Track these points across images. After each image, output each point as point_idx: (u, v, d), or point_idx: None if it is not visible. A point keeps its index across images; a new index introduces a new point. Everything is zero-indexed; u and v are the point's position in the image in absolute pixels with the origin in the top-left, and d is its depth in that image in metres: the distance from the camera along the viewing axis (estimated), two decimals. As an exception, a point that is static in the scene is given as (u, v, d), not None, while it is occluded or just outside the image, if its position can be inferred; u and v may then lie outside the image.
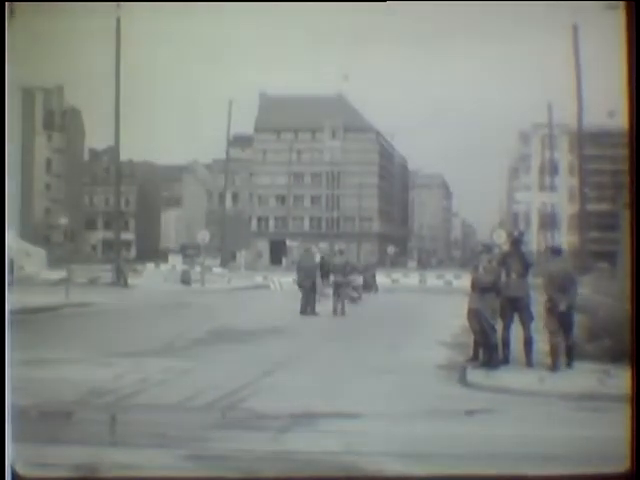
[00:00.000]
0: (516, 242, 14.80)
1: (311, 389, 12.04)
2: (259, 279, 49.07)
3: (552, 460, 7.98)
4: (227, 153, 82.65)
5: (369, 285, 40.22)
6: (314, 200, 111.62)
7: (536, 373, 12.88)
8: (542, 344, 14.07)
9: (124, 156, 71.33)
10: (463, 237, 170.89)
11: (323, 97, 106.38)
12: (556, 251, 14.81)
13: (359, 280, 33.24)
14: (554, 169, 72.76)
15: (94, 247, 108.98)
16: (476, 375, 12.83)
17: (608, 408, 10.28)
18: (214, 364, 14.59)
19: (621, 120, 8.87)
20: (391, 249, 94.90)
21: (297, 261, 29.22)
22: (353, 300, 26.33)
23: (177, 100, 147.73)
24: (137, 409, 10.40)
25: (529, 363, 13.60)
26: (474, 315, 13.76)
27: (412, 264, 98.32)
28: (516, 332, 13.89)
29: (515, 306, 13.76)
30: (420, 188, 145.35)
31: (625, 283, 10.75)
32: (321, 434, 9.09)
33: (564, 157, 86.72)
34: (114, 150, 50.87)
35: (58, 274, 39.69)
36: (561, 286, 13.43)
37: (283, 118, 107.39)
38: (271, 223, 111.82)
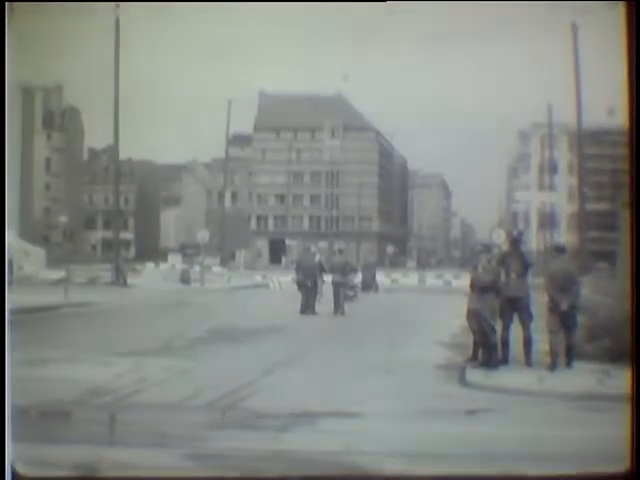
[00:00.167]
0: (515, 242, 14.79)
1: (311, 388, 12.05)
2: (258, 278, 49.04)
3: (552, 460, 7.98)
4: (226, 152, 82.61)
5: (369, 285, 40.23)
6: (313, 199, 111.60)
7: (535, 373, 12.89)
8: (542, 344, 14.08)
9: (123, 155, 71.43)
10: (462, 237, 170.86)
11: (323, 96, 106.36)
12: (560, 249, 14.74)
13: (356, 279, 33.25)
14: (553, 168, 72.74)
15: (93, 246, 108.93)
16: (475, 375, 12.83)
17: (607, 408, 10.28)
18: (214, 363, 14.59)
19: (621, 119, 8.87)
20: (390, 249, 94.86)
21: (296, 260, 29.21)
22: (349, 298, 26.37)
23: (176, 99, 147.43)
24: (137, 409, 10.40)
25: (528, 363, 13.60)
26: (473, 315, 13.77)
27: (411, 264, 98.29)
28: (515, 332, 13.90)
29: (515, 306, 13.76)
30: (420, 188, 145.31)
31: (625, 283, 10.76)
32: (321, 434, 9.10)
33: (563, 156, 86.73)
34: (113, 149, 50.85)
35: (57, 274, 39.66)
36: (563, 286, 13.44)
37: (282, 117, 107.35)
38: (270, 222, 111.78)
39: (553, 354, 13.42)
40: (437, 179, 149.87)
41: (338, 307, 25.79)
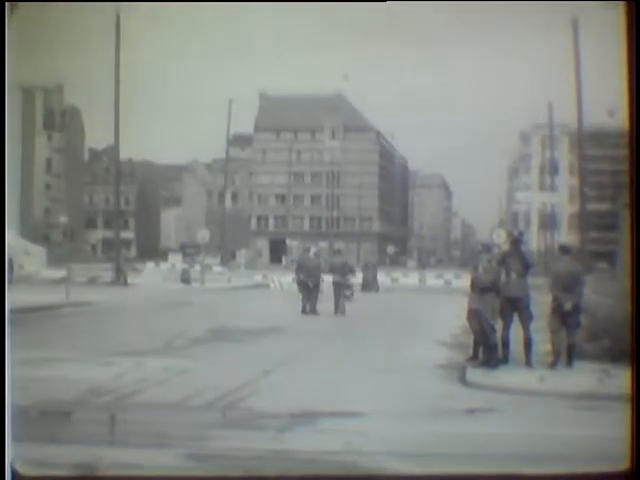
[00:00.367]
0: (516, 242, 14.79)
1: (312, 388, 12.05)
2: (259, 278, 49.01)
3: (552, 460, 7.98)
4: (227, 152, 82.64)
5: (370, 285, 40.25)
6: (314, 200, 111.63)
7: (536, 373, 12.89)
8: (542, 344, 14.10)
9: (124, 155, 71.43)
10: (463, 237, 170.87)
11: (323, 97, 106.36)
12: (565, 250, 14.75)
13: (354, 279, 33.23)
14: (554, 169, 72.76)
15: (94, 246, 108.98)
16: (476, 375, 12.83)
17: (608, 408, 10.28)
18: (214, 363, 14.59)
19: (621, 120, 8.87)
20: (391, 249, 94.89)
21: (297, 260, 29.21)
22: (346, 297, 26.44)
23: (177, 100, 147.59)
24: (137, 408, 10.40)
25: (529, 363, 13.61)
26: (474, 315, 13.77)
27: (412, 264, 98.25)
28: (516, 332, 13.90)
29: (515, 306, 13.77)
30: (420, 188, 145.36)
31: (625, 283, 10.76)
32: (321, 433, 9.10)
33: (564, 157, 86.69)
34: (114, 149, 50.84)
35: (58, 273, 39.67)
36: (567, 285, 13.48)
37: (283, 118, 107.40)
38: (271, 222, 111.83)
39: (555, 352, 13.48)
40: (438, 179, 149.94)
41: (338, 307, 25.81)
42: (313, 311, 25.54)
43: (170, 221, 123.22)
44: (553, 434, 9.17)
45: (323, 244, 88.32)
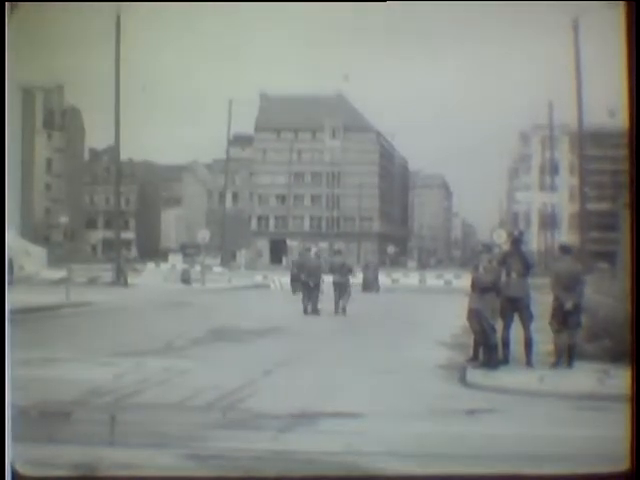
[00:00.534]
0: (516, 242, 14.80)
1: (312, 388, 12.05)
2: (259, 278, 49.04)
3: (552, 460, 7.98)
4: (227, 153, 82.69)
5: (370, 285, 40.26)
6: (314, 200, 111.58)
7: (536, 373, 12.89)
8: (542, 344, 14.10)
9: (124, 156, 71.44)
10: (463, 237, 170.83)
11: (323, 97, 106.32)
12: (566, 250, 14.77)
13: (353, 279, 33.23)
14: (554, 169, 72.78)
15: (94, 246, 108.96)
16: (476, 375, 12.83)
17: (608, 408, 10.28)
18: (214, 364, 14.59)
19: (621, 120, 8.87)
20: (391, 249, 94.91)
21: (297, 260, 29.21)
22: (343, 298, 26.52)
23: (177, 100, 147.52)
24: (137, 409, 10.40)
25: (529, 363, 13.62)
26: (474, 315, 13.77)
27: (412, 264, 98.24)
28: (516, 332, 13.90)
29: (515, 306, 13.78)
30: (420, 188, 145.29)
31: (625, 283, 10.76)
32: (321, 434, 9.09)
33: (564, 157, 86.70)
34: (114, 150, 50.87)
35: (58, 273, 39.69)
36: (568, 285, 13.51)
37: (283, 118, 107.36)
38: (271, 222, 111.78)
39: (557, 352, 13.51)
40: (438, 180, 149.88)
41: (339, 307, 25.84)
42: (314, 311, 25.57)
43: (170, 221, 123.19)
44: (553, 434, 9.17)
45: (323, 244, 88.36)
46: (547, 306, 14.01)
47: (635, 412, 7.75)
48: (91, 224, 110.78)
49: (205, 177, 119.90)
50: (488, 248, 15.16)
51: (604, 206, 75.45)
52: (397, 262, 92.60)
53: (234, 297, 36.21)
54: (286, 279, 40.39)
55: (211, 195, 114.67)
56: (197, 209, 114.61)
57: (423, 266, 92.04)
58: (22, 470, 7.30)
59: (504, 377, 12.61)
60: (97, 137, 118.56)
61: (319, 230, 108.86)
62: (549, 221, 72.02)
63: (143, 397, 11.08)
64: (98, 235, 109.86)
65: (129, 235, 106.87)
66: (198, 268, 47.36)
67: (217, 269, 56.21)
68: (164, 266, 57.09)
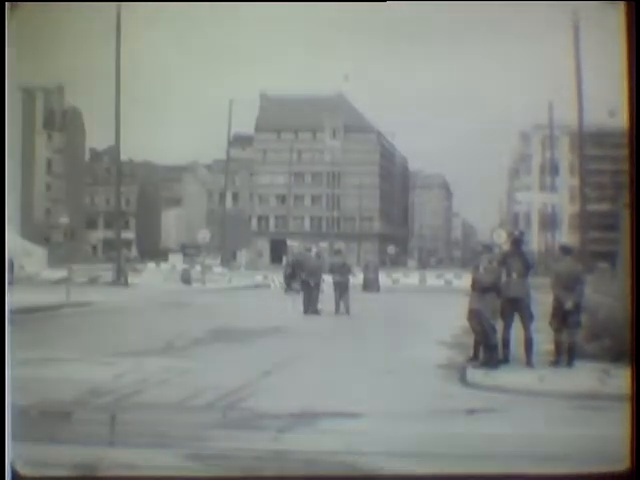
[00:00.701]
0: (517, 242, 14.81)
1: (312, 388, 12.05)
2: (259, 278, 49.02)
3: (552, 460, 7.98)
4: (227, 153, 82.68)
5: (370, 285, 40.26)
6: (314, 200, 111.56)
7: (536, 373, 12.90)
8: (542, 344, 14.11)
9: (125, 156, 71.48)
10: (464, 237, 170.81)
11: (323, 97, 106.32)
12: (566, 250, 14.80)
13: (353, 279, 33.29)
14: (555, 169, 72.76)
15: (95, 246, 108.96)
16: (476, 375, 12.83)
17: (608, 407, 10.28)
18: (215, 364, 14.59)
19: (622, 120, 8.87)
20: (391, 249, 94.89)
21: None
22: (343, 297, 26.55)
23: (178, 100, 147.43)
24: (137, 409, 10.40)
25: (529, 363, 13.63)
26: (474, 315, 13.77)
27: (412, 264, 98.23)
28: (516, 332, 13.91)
29: (515, 306, 13.79)
30: (421, 188, 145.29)
31: (625, 283, 10.76)
32: (321, 434, 9.09)
33: (565, 157, 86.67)
34: (115, 150, 50.84)
35: (59, 273, 39.68)
36: (568, 285, 13.55)
37: (283, 118, 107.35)
38: (271, 222, 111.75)
39: (557, 350, 13.56)
40: (438, 180, 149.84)
41: (339, 307, 25.86)
42: (314, 311, 25.59)
43: (171, 221, 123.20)
44: (553, 434, 9.17)
45: (324, 244, 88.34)
46: (547, 306, 14.04)
47: (635, 412, 7.75)
48: (91, 224, 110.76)
49: (205, 177, 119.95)
50: (488, 248, 15.16)
51: (604, 206, 75.42)
52: (397, 262, 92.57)
53: (234, 297, 36.19)
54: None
55: (211, 195, 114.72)
56: (197, 209, 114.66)
57: (423, 266, 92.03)
58: (22, 470, 7.30)
59: (504, 377, 12.61)
60: (97, 137, 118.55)
61: (319, 230, 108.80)
62: (549, 221, 72.01)
63: (143, 397, 11.08)
64: (98, 235, 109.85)
65: (129, 235, 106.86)
66: (198, 268, 47.35)
67: (217, 269, 56.16)
68: (164, 266, 57.09)
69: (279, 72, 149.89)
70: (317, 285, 26.15)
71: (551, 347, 13.86)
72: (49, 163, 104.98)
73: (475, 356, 14.09)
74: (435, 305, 32.11)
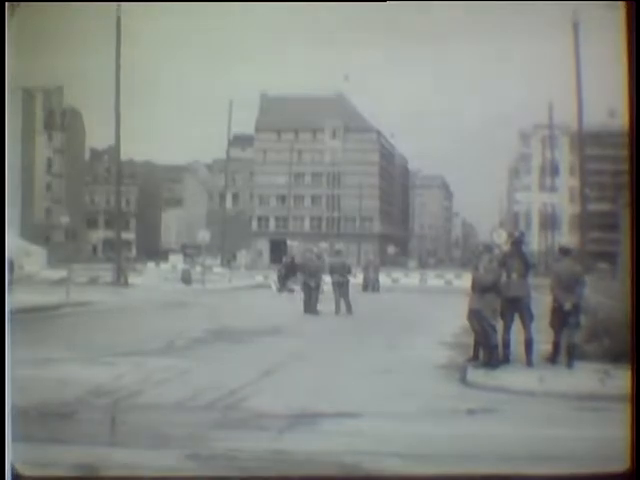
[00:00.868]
0: (517, 242, 14.83)
1: (312, 388, 12.05)
2: (260, 279, 49.02)
3: (552, 460, 7.98)
4: (227, 153, 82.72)
5: (370, 285, 40.28)
6: (315, 200, 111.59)
7: (536, 373, 12.89)
8: (542, 344, 14.12)
9: (125, 156, 71.33)
10: (464, 237, 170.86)
11: (323, 97, 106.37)
12: (565, 251, 14.84)
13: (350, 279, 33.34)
14: (555, 169, 72.81)
15: (95, 246, 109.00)
16: (476, 375, 12.84)
17: (608, 408, 10.28)
18: (215, 364, 14.59)
19: (622, 120, 8.87)
20: (391, 249, 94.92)
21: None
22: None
23: (178, 100, 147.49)
24: (137, 409, 10.39)
25: (529, 363, 13.64)
26: (475, 315, 13.77)
27: (412, 264, 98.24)
28: (516, 332, 13.92)
29: (516, 306, 13.80)
30: (421, 188, 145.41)
31: (625, 283, 10.77)
32: (322, 434, 9.09)
33: (564, 157, 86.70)
34: (115, 150, 50.79)
35: (59, 273, 39.70)
36: (567, 285, 13.57)
37: (284, 118, 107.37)
38: (271, 223, 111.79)
39: (555, 349, 13.61)
40: (438, 180, 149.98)
41: (339, 307, 25.88)
42: (314, 311, 25.63)
43: (171, 222, 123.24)
44: (553, 434, 9.17)
45: (324, 244, 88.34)
46: (547, 306, 14.05)
47: (635, 412, 7.76)
48: (92, 224, 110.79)
49: (205, 177, 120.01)
50: (488, 248, 15.17)
51: (604, 206, 75.43)
52: (397, 262, 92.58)
53: (234, 297, 36.19)
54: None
55: (211, 195, 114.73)
56: (197, 209, 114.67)
57: (423, 266, 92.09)
58: (22, 470, 7.30)
59: (504, 377, 12.61)
60: (97, 137, 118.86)
61: (319, 230, 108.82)
62: (549, 221, 72.04)
63: (143, 397, 11.07)
64: (99, 235, 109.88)
65: (129, 235, 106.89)
66: (198, 268, 47.34)
67: (217, 269, 56.17)
68: (164, 266, 57.07)
69: (279, 72, 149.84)
70: (317, 285, 26.22)
71: (551, 347, 13.89)
72: (49, 163, 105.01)
73: (475, 356, 14.09)
74: (435, 305, 32.11)
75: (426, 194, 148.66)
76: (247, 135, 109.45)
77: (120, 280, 42.93)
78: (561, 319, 13.61)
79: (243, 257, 72.46)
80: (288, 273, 39.24)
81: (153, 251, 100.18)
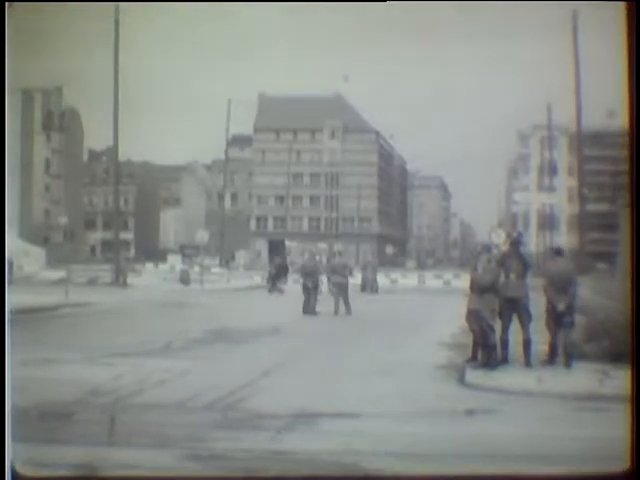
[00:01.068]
0: (515, 243, 14.87)
1: (311, 388, 12.06)
2: (258, 279, 49.04)
3: (552, 460, 7.99)
4: (226, 153, 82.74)
5: (369, 285, 40.26)
6: (313, 200, 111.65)
7: (535, 373, 12.90)
8: (541, 345, 14.13)
9: (123, 156, 71.53)
10: (462, 237, 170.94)
11: (322, 97, 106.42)
12: (557, 252, 14.92)
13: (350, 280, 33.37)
14: (553, 169, 72.85)
15: (93, 247, 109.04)
16: (475, 375, 12.84)
17: (607, 408, 10.29)
18: (214, 364, 14.59)
19: (621, 120, 8.88)
20: (390, 249, 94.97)
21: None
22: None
23: (176, 100, 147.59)
24: (136, 409, 10.40)
25: (528, 363, 13.65)
26: (473, 316, 13.78)
27: (411, 264, 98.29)
28: (515, 333, 13.93)
29: (514, 307, 13.81)
30: (419, 189, 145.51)
31: (625, 284, 10.78)
32: (321, 434, 9.10)
33: (563, 157, 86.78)
34: (113, 150, 50.84)
35: (57, 274, 39.70)
36: (560, 286, 13.60)
37: (282, 118, 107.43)
38: (270, 223, 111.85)
39: (552, 349, 13.62)
40: (437, 180, 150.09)
41: (338, 307, 25.89)
42: (312, 312, 25.64)
43: (169, 222, 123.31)
44: (553, 435, 9.18)
45: (322, 245, 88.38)
46: (544, 307, 14.06)
47: (635, 412, 7.76)
48: (90, 225, 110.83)
49: (204, 178, 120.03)
50: (487, 248, 15.18)
51: (603, 207, 75.56)
52: (396, 262, 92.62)
53: (233, 298, 36.20)
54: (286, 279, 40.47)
55: (210, 195, 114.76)
56: (196, 209, 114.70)
57: (422, 266, 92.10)
58: (22, 470, 7.30)
59: (503, 377, 12.62)
60: (96, 138, 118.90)
61: (318, 231, 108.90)
62: (548, 222, 72.08)
63: (143, 397, 11.08)
64: (97, 236, 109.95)
65: (128, 236, 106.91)
66: (197, 269, 47.33)
67: (216, 270, 56.20)
68: (163, 266, 57.11)
69: (278, 72, 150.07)
70: (315, 286, 26.24)
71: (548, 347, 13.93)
72: (48, 164, 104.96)
73: (474, 357, 14.09)
74: (434, 305, 32.12)
75: (424, 194, 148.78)
76: (246, 135, 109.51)
77: (119, 280, 42.95)
78: (555, 320, 13.66)
79: (242, 257, 72.53)
80: (279, 273, 39.28)
81: (152, 251, 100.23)
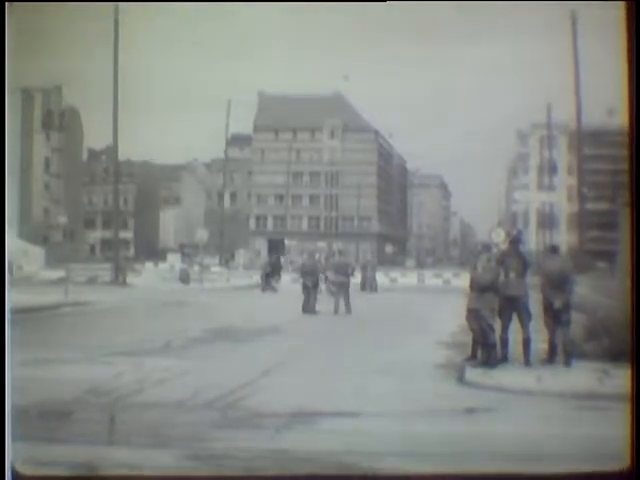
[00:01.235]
0: (515, 242, 14.86)
1: (311, 387, 12.06)
2: (257, 278, 48.97)
3: (552, 460, 7.99)
4: (226, 152, 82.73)
5: (368, 284, 40.26)
6: (313, 199, 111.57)
7: (534, 372, 12.91)
8: (541, 343, 14.13)
9: (123, 156, 71.49)
10: (462, 236, 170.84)
11: (322, 96, 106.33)
12: (553, 249, 14.97)
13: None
14: (553, 168, 72.84)
15: (93, 246, 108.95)
16: (475, 374, 12.84)
17: (607, 407, 10.29)
18: (213, 363, 14.59)
19: (620, 119, 8.88)
20: (389, 248, 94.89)
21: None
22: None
23: (176, 99, 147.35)
24: (136, 408, 10.40)
25: (527, 362, 13.65)
26: (473, 314, 13.78)
27: (410, 263, 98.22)
28: (514, 331, 13.93)
29: (514, 305, 13.81)
30: (419, 188, 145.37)
31: (624, 282, 10.78)
32: (320, 433, 9.10)
33: (563, 156, 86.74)
34: (113, 150, 50.84)
35: (57, 273, 39.69)
36: (557, 284, 13.61)
37: (282, 117, 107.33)
38: (269, 222, 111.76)
39: (551, 347, 13.65)
40: (436, 179, 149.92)
41: (339, 306, 25.90)
42: (312, 311, 25.65)
43: (169, 221, 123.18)
44: (552, 433, 9.18)
45: (322, 244, 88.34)
46: (541, 304, 14.09)
47: (635, 411, 7.77)
48: (90, 224, 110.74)
49: (204, 177, 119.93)
50: (487, 247, 15.19)
51: (603, 205, 75.50)
52: (395, 261, 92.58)
53: (232, 297, 36.20)
54: (284, 278, 40.45)
55: (210, 195, 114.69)
56: (195, 209, 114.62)
57: (421, 265, 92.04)
58: (22, 470, 7.30)
59: (503, 376, 12.62)
60: (95, 137, 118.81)
61: (317, 230, 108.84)
62: (547, 220, 72.07)
63: (142, 396, 11.08)
64: (97, 235, 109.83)
65: (128, 235, 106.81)
66: (196, 268, 47.31)
67: (215, 269, 56.16)
68: (162, 266, 57.06)
69: (278, 72, 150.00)
70: (315, 285, 26.28)
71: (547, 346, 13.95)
72: (47, 163, 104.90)
73: (473, 355, 14.10)
74: (433, 304, 32.11)
75: (424, 193, 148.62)
76: (245, 134, 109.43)
77: (118, 280, 42.95)
78: (553, 318, 13.69)
79: (241, 256, 72.49)
80: (273, 272, 39.26)
81: (151, 250, 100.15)
